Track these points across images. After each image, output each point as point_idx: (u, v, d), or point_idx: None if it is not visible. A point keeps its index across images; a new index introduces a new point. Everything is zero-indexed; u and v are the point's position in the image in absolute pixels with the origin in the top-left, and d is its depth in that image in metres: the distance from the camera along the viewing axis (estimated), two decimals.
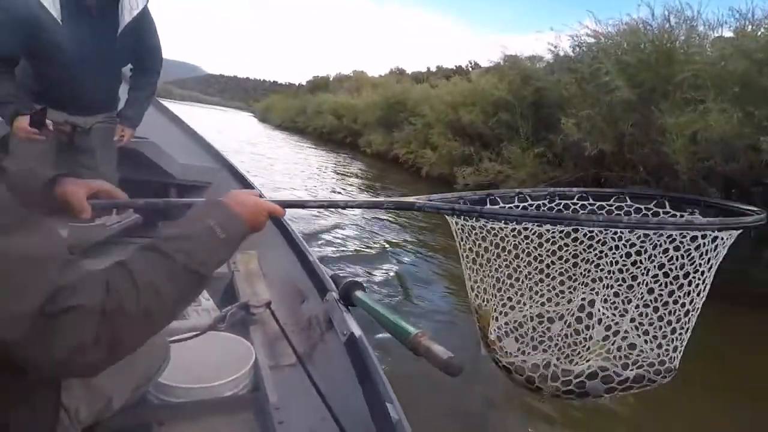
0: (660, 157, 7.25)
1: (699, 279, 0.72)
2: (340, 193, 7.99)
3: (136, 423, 1.10)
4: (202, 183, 2.93)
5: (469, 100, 11.95)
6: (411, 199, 0.95)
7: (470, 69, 21.23)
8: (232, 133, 17.64)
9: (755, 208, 0.84)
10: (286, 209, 0.92)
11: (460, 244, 0.87)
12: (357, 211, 6.60)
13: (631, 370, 0.75)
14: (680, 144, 6.39)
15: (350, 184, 9.33)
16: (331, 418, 1.12)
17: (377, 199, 1.15)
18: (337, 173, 11.17)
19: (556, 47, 9.62)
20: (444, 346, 0.98)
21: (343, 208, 1.38)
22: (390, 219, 6.46)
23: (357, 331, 1.33)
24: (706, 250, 0.70)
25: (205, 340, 1.38)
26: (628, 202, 0.89)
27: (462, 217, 0.85)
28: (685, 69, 6.63)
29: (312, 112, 27.28)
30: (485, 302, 0.88)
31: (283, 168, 10.10)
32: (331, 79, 41.52)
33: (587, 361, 0.80)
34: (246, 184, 2.74)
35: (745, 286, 4.23)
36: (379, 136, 17.16)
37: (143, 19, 2.10)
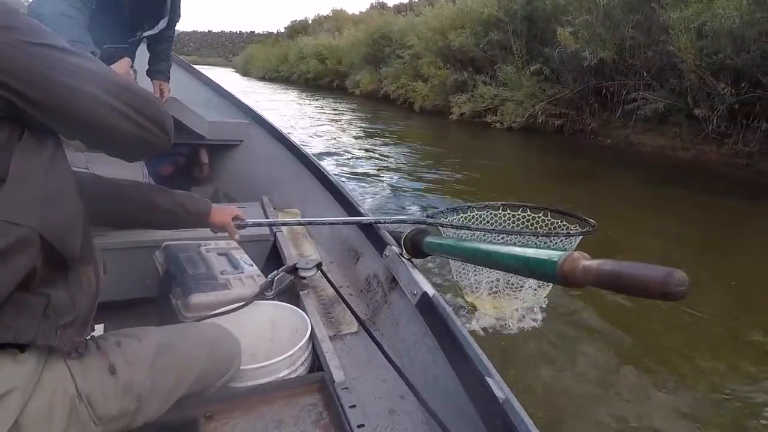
0: (664, 58, 6.87)
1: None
2: (333, 139, 7.68)
3: (179, 418, 0.84)
4: (234, 141, 2.72)
5: (457, 23, 11.26)
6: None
7: None
8: None
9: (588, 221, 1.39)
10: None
11: None
12: (362, 144, 6.38)
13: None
14: (686, 40, 6.00)
15: (342, 129, 8.98)
16: (414, 397, 0.91)
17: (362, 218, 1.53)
18: (327, 119, 10.75)
19: None
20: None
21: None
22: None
23: (430, 290, 1.14)
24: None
25: (251, 311, 1.20)
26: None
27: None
28: None
29: (294, 59, 26.14)
30: None
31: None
32: (310, 21, 39.62)
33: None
34: (281, 138, 2.48)
35: None
36: (367, 75, 16.44)
37: None
